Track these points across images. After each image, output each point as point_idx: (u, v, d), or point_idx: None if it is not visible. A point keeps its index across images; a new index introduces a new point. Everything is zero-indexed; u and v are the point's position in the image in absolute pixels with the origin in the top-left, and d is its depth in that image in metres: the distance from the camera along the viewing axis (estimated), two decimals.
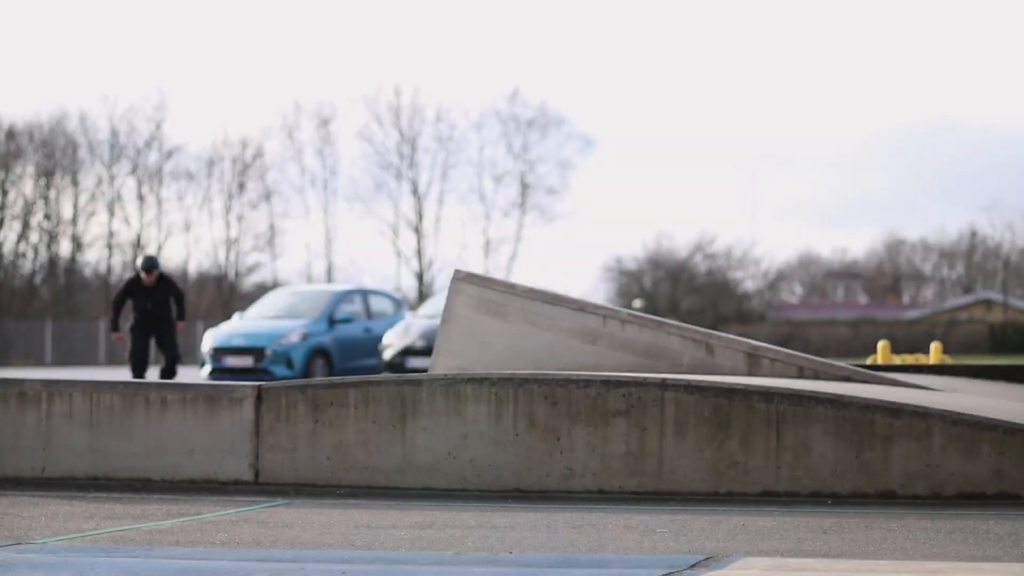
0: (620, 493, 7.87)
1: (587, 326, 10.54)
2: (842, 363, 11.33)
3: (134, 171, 65.62)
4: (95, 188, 64.24)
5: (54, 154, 63.17)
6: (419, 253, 70.22)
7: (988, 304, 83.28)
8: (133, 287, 18.73)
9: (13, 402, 8.58)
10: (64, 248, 63.64)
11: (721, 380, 8.07)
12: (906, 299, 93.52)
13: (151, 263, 18.63)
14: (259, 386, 8.36)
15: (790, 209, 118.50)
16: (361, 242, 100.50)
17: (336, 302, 28.22)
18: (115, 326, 18.83)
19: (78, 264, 64.58)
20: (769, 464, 7.74)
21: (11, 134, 61.77)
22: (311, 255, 74.52)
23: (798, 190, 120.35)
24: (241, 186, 68.40)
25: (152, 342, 18.79)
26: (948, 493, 7.56)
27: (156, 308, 18.59)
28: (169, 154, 66.56)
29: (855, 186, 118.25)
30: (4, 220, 61.33)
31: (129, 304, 18.79)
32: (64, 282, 63.54)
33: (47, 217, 62.72)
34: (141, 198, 65.53)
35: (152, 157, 66.13)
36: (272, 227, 69.22)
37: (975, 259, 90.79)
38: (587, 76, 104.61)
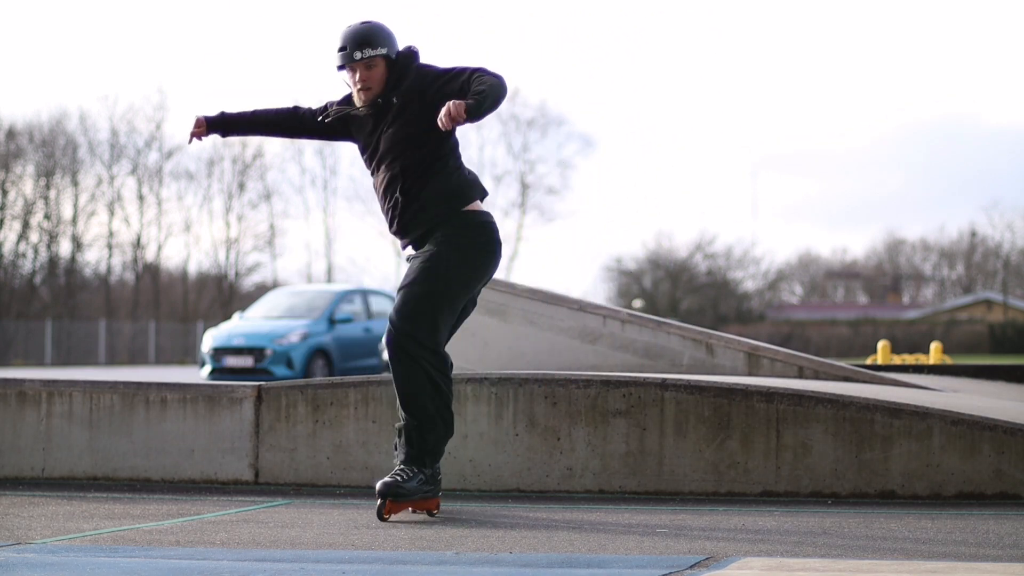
0: (620, 493, 7.87)
1: (587, 326, 10.55)
2: (842, 363, 11.33)
3: (134, 171, 65.63)
4: (95, 188, 64.27)
5: (54, 154, 63.17)
6: None
7: (988, 304, 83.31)
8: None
9: (13, 402, 8.58)
10: (64, 248, 63.67)
11: (721, 380, 8.06)
12: (906, 299, 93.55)
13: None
14: (259, 386, 8.36)
15: (790, 209, 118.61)
16: (361, 242, 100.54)
17: (336, 302, 28.22)
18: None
19: (78, 264, 64.59)
20: (769, 464, 7.74)
21: (11, 134, 61.80)
22: (311, 255, 74.63)
23: (798, 190, 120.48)
24: (241, 186, 68.42)
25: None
26: (948, 493, 7.56)
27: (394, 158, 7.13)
28: (169, 154, 66.60)
29: (855, 186, 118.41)
30: (4, 220, 61.32)
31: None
32: (64, 282, 63.53)
33: (47, 217, 62.72)
34: (141, 198, 65.55)
35: (152, 157, 66.17)
36: (272, 227, 69.29)
37: (975, 259, 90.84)
38: (587, 76, 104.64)
